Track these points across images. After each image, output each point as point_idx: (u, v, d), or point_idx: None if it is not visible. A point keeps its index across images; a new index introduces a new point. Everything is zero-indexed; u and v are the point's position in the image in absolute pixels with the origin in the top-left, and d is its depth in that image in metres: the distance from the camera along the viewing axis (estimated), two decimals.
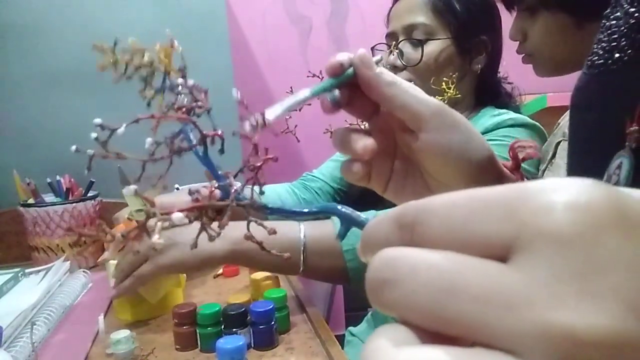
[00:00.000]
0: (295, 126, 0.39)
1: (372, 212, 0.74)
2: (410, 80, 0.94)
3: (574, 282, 0.12)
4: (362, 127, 0.39)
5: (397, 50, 0.94)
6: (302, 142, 0.27)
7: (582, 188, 0.13)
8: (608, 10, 0.39)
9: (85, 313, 0.82)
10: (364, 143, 0.35)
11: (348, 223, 0.26)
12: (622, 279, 0.12)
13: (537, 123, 0.93)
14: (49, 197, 1.10)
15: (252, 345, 0.67)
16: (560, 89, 1.80)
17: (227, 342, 0.60)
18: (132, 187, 0.24)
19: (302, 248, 0.74)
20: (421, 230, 0.15)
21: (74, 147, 0.26)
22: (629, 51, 0.36)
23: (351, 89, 0.35)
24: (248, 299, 0.73)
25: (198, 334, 0.67)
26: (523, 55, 0.82)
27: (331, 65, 0.34)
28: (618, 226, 0.12)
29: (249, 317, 0.68)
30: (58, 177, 1.11)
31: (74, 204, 1.05)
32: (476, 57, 0.96)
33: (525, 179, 0.39)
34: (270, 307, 0.67)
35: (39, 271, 0.93)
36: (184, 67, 0.29)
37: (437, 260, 0.14)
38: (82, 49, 1.24)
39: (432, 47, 0.92)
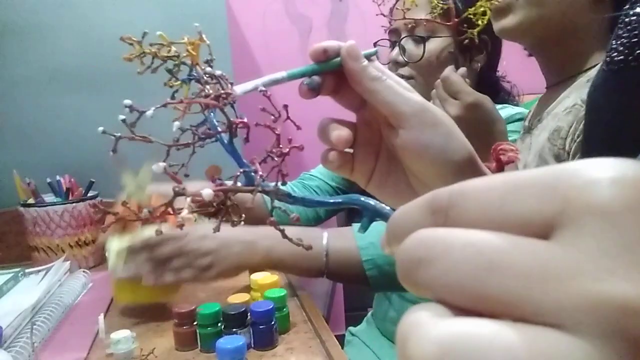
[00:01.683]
0: (299, 128, 0.39)
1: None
2: (411, 77, 0.95)
3: (624, 254, 0.12)
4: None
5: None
6: (302, 142, 0.27)
7: (625, 165, 0.13)
8: (627, 6, 0.39)
9: (85, 313, 0.82)
10: (339, 133, 0.36)
11: (372, 215, 0.25)
12: None
13: None
14: (49, 197, 1.09)
15: (252, 345, 0.67)
16: None
17: (227, 342, 0.60)
18: (162, 164, 0.24)
19: (325, 255, 0.80)
20: (456, 213, 0.15)
21: (101, 129, 0.26)
22: None
23: (340, 79, 0.35)
24: (248, 299, 0.73)
25: (198, 334, 0.67)
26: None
27: (315, 51, 0.34)
28: None
29: (249, 317, 0.67)
30: (58, 177, 1.11)
31: (74, 204, 1.05)
32: (476, 56, 0.98)
33: None
34: (270, 307, 0.67)
35: (39, 271, 0.93)
36: (212, 59, 0.30)
37: (476, 237, 0.13)
38: (82, 49, 1.24)
39: (434, 45, 0.94)
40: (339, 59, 0.34)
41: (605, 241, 0.12)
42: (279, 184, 0.26)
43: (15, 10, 1.18)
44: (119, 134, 0.25)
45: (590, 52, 0.67)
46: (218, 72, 0.29)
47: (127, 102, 0.25)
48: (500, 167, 0.40)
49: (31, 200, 1.06)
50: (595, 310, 0.11)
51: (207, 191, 0.23)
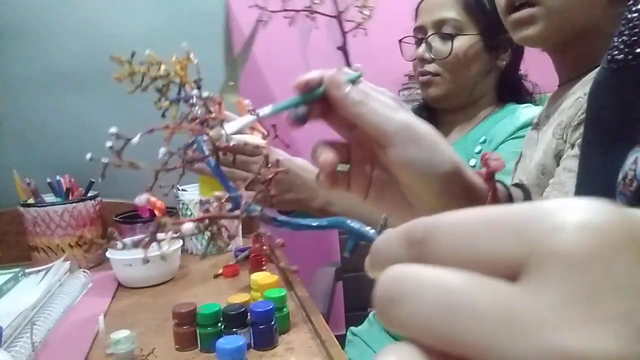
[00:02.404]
0: (288, 146, 0.40)
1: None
2: (437, 74, 0.96)
3: (585, 305, 0.11)
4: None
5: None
6: (301, 151, 0.28)
7: (594, 208, 0.12)
8: (631, 2, 0.39)
9: (85, 313, 0.82)
10: (325, 157, 0.38)
11: (357, 237, 0.26)
12: (633, 303, 0.11)
13: None
14: (49, 197, 1.09)
15: (252, 345, 0.67)
16: None
17: (227, 342, 0.60)
18: (145, 195, 0.25)
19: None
20: (430, 248, 0.15)
21: (88, 156, 0.27)
22: None
23: (327, 106, 0.37)
24: (248, 299, 0.73)
25: (198, 334, 0.67)
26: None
27: (298, 84, 0.37)
28: (630, 248, 0.12)
29: (249, 317, 0.67)
30: (58, 177, 1.11)
31: (74, 204, 1.05)
32: (502, 54, 0.99)
33: (496, 188, 0.41)
34: (270, 307, 0.67)
35: (39, 271, 0.93)
36: (199, 79, 0.30)
37: (445, 278, 0.14)
38: (82, 49, 1.24)
39: (461, 42, 0.95)
40: (321, 89, 0.36)
41: (568, 290, 0.12)
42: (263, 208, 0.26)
43: (16, 11, 1.18)
44: (107, 160, 0.26)
45: (602, 49, 0.67)
46: (205, 94, 0.29)
47: (113, 130, 0.26)
48: (489, 174, 0.41)
49: (31, 200, 1.06)
50: None
51: (187, 226, 0.25)
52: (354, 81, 0.36)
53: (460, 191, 0.39)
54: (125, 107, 1.27)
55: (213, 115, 0.29)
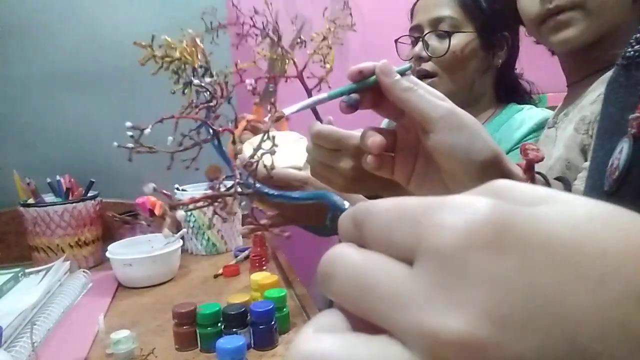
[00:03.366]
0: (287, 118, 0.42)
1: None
2: (434, 73, 0.96)
3: (445, 292, 0.14)
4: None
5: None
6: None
7: (472, 210, 0.15)
8: None
9: (85, 313, 0.82)
10: (373, 139, 0.41)
11: (334, 210, 0.28)
12: (483, 292, 0.14)
13: None
14: (49, 197, 1.10)
15: (252, 345, 0.67)
16: (560, 89, 1.80)
17: (227, 342, 0.60)
18: (151, 185, 0.29)
19: None
20: (364, 231, 0.17)
21: (115, 144, 0.29)
22: None
23: (378, 95, 0.40)
24: (248, 299, 0.73)
25: (198, 334, 0.67)
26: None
27: (351, 72, 0.39)
28: (488, 247, 0.14)
29: (249, 317, 0.67)
30: (58, 177, 1.11)
31: (74, 204, 1.05)
32: (498, 52, 0.99)
33: (534, 178, 0.44)
34: (270, 307, 0.67)
35: (39, 271, 0.93)
36: (208, 63, 0.33)
37: (358, 261, 0.16)
38: (82, 49, 1.24)
39: (458, 40, 0.95)
40: (374, 77, 0.39)
41: (436, 279, 0.14)
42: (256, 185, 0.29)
43: (16, 11, 1.18)
44: (131, 145, 0.29)
45: (620, 48, 0.68)
46: (208, 80, 0.32)
47: (129, 124, 0.29)
48: (529, 165, 0.43)
49: (31, 200, 1.06)
50: (420, 337, 0.14)
51: (180, 214, 0.29)
52: (402, 73, 0.39)
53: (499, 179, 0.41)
54: (125, 107, 1.27)
55: (215, 102, 0.31)
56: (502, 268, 0.14)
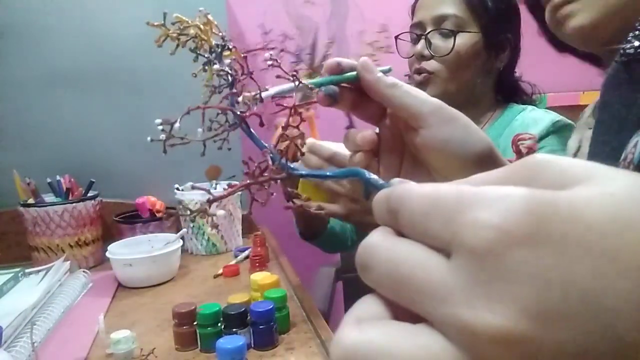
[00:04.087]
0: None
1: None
2: (433, 72, 0.94)
3: (483, 288, 0.14)
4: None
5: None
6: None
7: (505, 205, 0.15)
8: None
9: (85, 313, 0.82)
10: (362, 135, 0.39)
11: (371, 186, 0.28)
12: (520, 288, 0.14)
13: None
14: (49, 197, 1.09)
15: (252, 345, 0.67)
16: (560, 89, 1.80)
17: (227, 342, 0.60)
18: (189, 185, 0.31)
19: None
20: (399, 219, 0.18)
21: (149, 138, 0.30)
22: None
23: (357, 96, 0.38)
24: (248, 299, 0.73)
25: (198, 334, 0.67)
26: None
27: (329, 64, 0.38)
28: (524, 243, 0.14)
29: (249, 317, 0.67)
30: (58, 177, 1.11)
31: (74, 204, 1.05)
32: (501, 54, 0.97)
33: None
34: (270, 307, 0.67)
35: (39, 271, 0.93)
36: (224, 40, 0.32)
37: (395, 254, 0.17)
38: (82, 49, 1.24)
39: (462, 40, 0.92)
40: (354, 73, 0.37)
41: (472, 275, 0.15)
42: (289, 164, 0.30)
43: (16, 11, 1.18)
44: (163, 137, 0.29)
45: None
46: (227, 61, 0.32)
47: (158, 121, 0.29)
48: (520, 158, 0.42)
49: (31, 200, 1.06)
50: (458, 331, 0.15)
51: (220, 212, 0.30)
52: (384, 73, 0.38)
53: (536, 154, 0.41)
54: (125, 107, 1.28)
55: (235, 90, 0.31)
56: (539, 263, 0.14)
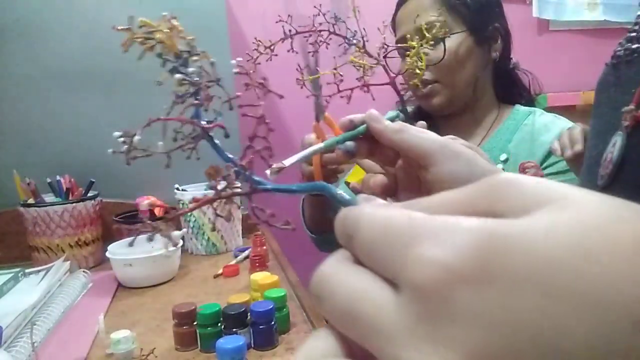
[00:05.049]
0: (281, 97, 0.42)
1: (362, 196, 0.76)
2: (435, 81, 0.93)
3: (428, 329, 0.14)
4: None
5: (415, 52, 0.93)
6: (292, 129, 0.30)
7: (453, 239, 0.14)
8: None
9: (85, 313, 0.82)
10: (374, 179, 0.43)
11: (334, 202, 0.29)
12: (465, 330, 0.13)
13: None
14: (49, 197, 1.10)
15: (252, 345, 0.67)
16: (560, 89, 1.80)
17: (227, 342, 0.60)
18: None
19: None
20: (353, 243, 0.18)
21: (110, 150, 0.30)
22: None
23: (372, 144, 0.41)
24: (248, 299, 0.73)
25: (198, 334, 0.67)
26: None
27: (342, 123, 0.41)
28: (471, 281, 0.13)
29: (249, 317, 0.67)
30: (58, 177, 1.11)
31: (74, 204, 1.05)
32: (494, 45, 0.97)
33: None
34: (270, 307, 0.67)
35: (39, 271, 0.93)
36: (191, 47, 0.31)
37: (346, 286, 0.16)
38: (82, 49, 1.24)
39: (451, 43, 0.92)
40: (363, 126, 0.41)
41: (415, 315, 0.14)
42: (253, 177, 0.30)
43: (15, 11, 1.18)
44: (125, 150, 0.29)
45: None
46: (190, 70, 0.31)
47: (117, 133, 0.29)
48: None
49: (31, 200, 1.06)
50: None
51: (177, 233, 0.30)
52: (392, 120, 0.41)
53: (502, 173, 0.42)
54: (125, 107, 1.27)
55: (199, 100, 0.31)
56: (485, 304, 0.13)
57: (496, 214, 0.15)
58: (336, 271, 0.17)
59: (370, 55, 0.53)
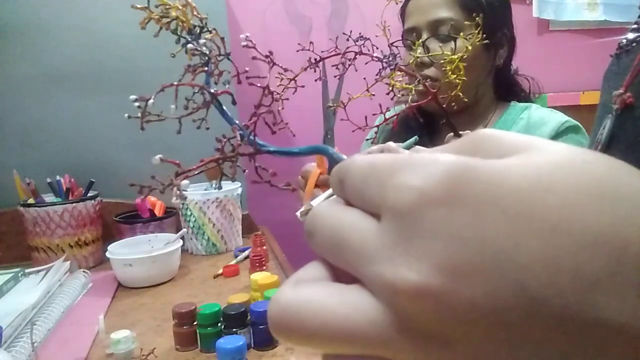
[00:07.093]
0: (287, 123, 0.42)
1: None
2: (437, 78, 0.92)
3: (403, 247, 0.15)
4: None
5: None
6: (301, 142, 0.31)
7: (429, 169, 0.16)
8: None
9: (85, 313, 0.82)
10: None
11: (332, 162, 0.30)
12: (436, 245, 0.14)
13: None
14: (49, 197, 1.10)
15: (252, 345, 0.67)
16: (560, 89, 1.81)
17: (227, 342, 0.60)
18: (158, 157, 0.31)
19: None
20: (344, 188, 0.19)
21: (127, 115, 0.31)
22: None
23: None
24: (248, 299, 0.73)
25: (198, 334, 0.67)
26: None
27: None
28: (442, 204, 0.15)
29: (249, 317, 0.68)
30: (58, 177, 1.11)
31: (74, 204, 1.05)
32: (500, 51, 0.96)
33: None
34: None
35: (39, 271, 0.93)
36: (203, 22, 0.34)
37: (334, 219, 0.18)
38: (82, 49, 1.24)
39: (461, 43, 0.89)
40: None
41: (393, 235, 0.15)
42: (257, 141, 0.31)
43: (16, 11, 1.18)
44: (138, 116, 0.30)
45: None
46: (202, 41, 0.32)
47: (133, 97, 0.30)
48: None
49: (31, 200, 1.06)
50: (381, 287, 0.15)
51: (185, 182, 0.32)
52: (408, 148, 0.41)
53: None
54: (125, 107, 1.27)
55: (212, 67, 0.32)
56: (454, 223, 0.15)
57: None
58: (327, 209, 0.19)
59: (409, 74, 0.52)
